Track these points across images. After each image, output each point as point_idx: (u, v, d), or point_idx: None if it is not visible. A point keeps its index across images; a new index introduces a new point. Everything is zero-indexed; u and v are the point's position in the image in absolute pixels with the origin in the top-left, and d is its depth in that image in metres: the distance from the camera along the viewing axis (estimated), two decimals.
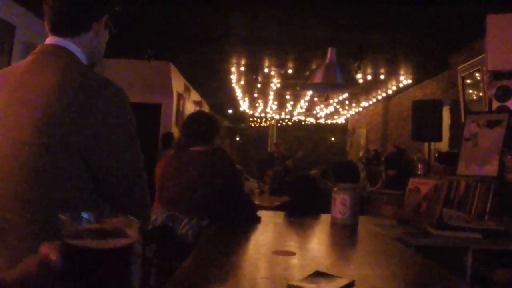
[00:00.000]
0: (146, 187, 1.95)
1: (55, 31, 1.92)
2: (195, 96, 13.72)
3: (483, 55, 6.16)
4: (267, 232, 3.63)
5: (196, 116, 4.32)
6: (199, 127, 4.03)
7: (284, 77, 10.76)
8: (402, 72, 10.28)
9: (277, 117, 19.76)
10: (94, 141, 1.74)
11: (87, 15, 1.95)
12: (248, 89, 12.99)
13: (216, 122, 4.13)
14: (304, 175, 5.59)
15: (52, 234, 1.73)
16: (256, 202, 5.62)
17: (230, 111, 19.07)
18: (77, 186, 1.76)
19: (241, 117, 20.20)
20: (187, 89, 12.22)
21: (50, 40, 1.92)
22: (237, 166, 4.46)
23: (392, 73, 10.42)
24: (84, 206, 1.77)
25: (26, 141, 1.69)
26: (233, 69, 10.25)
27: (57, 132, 1.69)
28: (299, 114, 18.40)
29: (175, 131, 9.88)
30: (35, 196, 1.71)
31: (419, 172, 7.90)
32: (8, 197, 1.72)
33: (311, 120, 20.14)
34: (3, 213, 1.74)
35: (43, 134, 1.68)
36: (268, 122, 21.56)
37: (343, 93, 12.46)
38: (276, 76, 10.72)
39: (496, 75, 5.15)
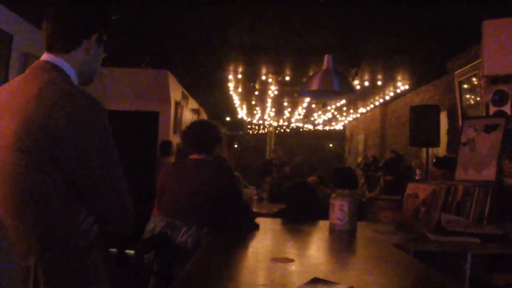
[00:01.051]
0: (122, 191, 2.01)
1: (48, 48, 2.04)
2: (193, 104, 13.73)
3: (479, 60, 6.17)
4: (266, 239, 3.63)
5: (197, 124, 4.33)
6: (200, 135, 4.04)
7: (281, 84, 10.76)
8: (399, 78, 10.29)
9: (275, 124, 19.75)
10: (65, 147, 1.81)
11: (76, 33, 2.04)
12: (246, 97, 13.00)
13: (217, 131, 4.14)
14: (301, 182, 5.59)
15: (31, 232, 1.80)
16: (255, 209, 5.63)
17: (228, 119, 19.07)
18: (50, 188, 1.83)
19: (239, 124, 20.20)
20: (184, 97, 12.22)
21: (43, 56, 2.04)
22: (236, 173, 4.47)
23: (390, 79, 10.43)
24: (59, 208, 1.85)
25: (6, 146, 1.81)
26: (230, 76, 10.26)
27: (31, 138, 1.80)
28: (297, 120, 18.40)
29: (173, 139, 9.89)
30: (13, 197, 1.82)
31: (417, 178, 7.91)
32: None
33: (309, 126, 20.14)
34: None
35: (19, 139, 1.80)
36: (266, 129, 21.56)
37: (340, 99, 12.47)
38: (273, 83, 10.73)
39: (493, 80, 5.17)
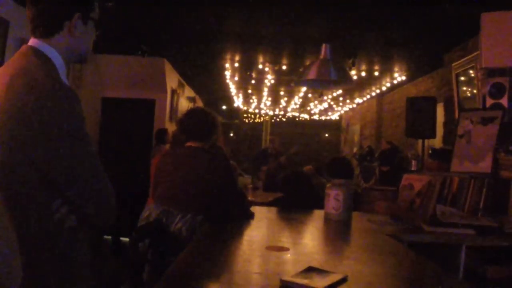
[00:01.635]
0: (98, 181, 1.96)
1: (33, 33, 2.04)
2: (189, 92, 13.71)
3: (477, 52, 6.17)
4: (261, 228, 3.64)
5: (194, 112, 4.32)
6: (197, 123, 4.03)
7: (278, 73, 10.75)
8: (396, 69, 10.28)
9: (271, 113, 19.74)
10: (38, 141, 1.81)
11: (56, 16, 2.03)
12: (242, 85, 12.98)
13: (214, 119, 4.13)
14: (296, 171, 5.60)
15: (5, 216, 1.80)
16: (250, 198, 5.63)
17: (224, 107, 19.06)
18: (23, 178, 1.82)
19: (235, 113, 20.20)
20: (181, 85, 12.20)
21: (30, 41, 2.05)
22: (231, 162, 4.46)
23: (386, 70, 10.43)
24: (32, 198, 1.84)
25: None
26: (227, 65, 10.24)
27: (2, 128, 1.81)
28: (293, 110, 18.39)
29: (169, 127, 9.87)
30: None
31: (412, 169, 7.91)
32: None
33: (305, 116, 20.13)
34: None
35: None
36: (262, 118, 21.55)
37: (337, 89, 12.46)
38: (270, 72, 10.71)
39: (490, 72, 5.17)
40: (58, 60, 2.02)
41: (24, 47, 2.02)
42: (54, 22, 2.02)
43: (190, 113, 4.25)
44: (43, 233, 1.86)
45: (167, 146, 8.57)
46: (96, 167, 1.96)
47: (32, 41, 2.03)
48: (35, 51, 1.98)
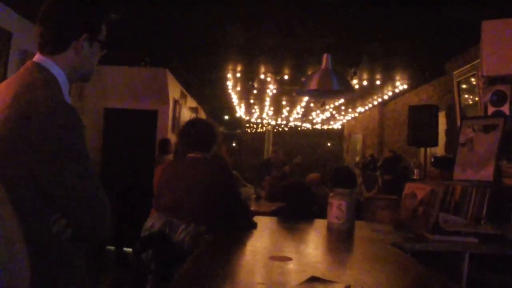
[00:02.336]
0: (96, 198, 1.98)
1: (39, 50, 2.06)
2: (191, 102, 13.72)
3: (478, 60, 6.18)
4: (264, 237, 3.64)
5: (193, 123, 4.33)
6: (196, 134, 4.04)
7: (280, 83, 10.76)
8: (398, 77, 10.29)
9: (273, 122, 19.75)
10: (34, 154, 1.82)
11: (63, 35, 2.05)
12: (245, 95, 12.99)
13: (213, 129, 4.14)
14: (296, 181, 5.61)
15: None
16: (253, 208, 5.63)
17: (226, 117, 19.07)
18: (23, 192, 1.84)
19: (237, 123, 20.20)
20: (183, 96, 12.22)
21: (35, 57, 2.06)
22: (234, 172, 4.47)
23: (388, 79, 10.43)
24: (29, 212, 1.85)
25: None
26: (229, 75, 10.26)
27: (3, 146, 1.82)
28: (295, 119, 18.40)
29: (172, 138, 9.88)
30: None
31: (415, 177, 7.91)
32: None
33: (307, 125, 20.14)
34: None
35: None
36: (264, 127, 21.56)
37: (339, 99, 12.47)
38: (272, 82, 10.73)
39: (491, 80, 5.18)
40: (62, 77, 2.04)
41: (29, 63, 2.03)
42: (62, 40, 2.04)
43: (188, 125, 4.26)
44: (42, 244, 1.87)
45: (170, 156, 8.57)
46: (94, 186, 1.97)
47: (38, 58, 2.04)
48: (40, 67, 1.99)
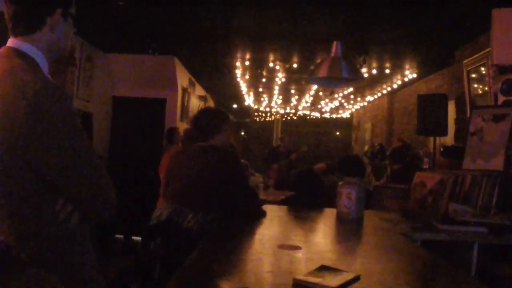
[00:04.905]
0: (95, 176, 1.96)
1: (12, 33, 2.01)
2: (200, 90, 13.71)
3: (488, 49, 6.14)
4: (273, 226, 3.63)
5: (205, 111, 4.35)
6: (206, 122, 4.04)
7: (289, 71, 10.74)
8: (407, 66, 10.25)
9: (282, 111, 19.72)
10: (33, 143, 1.79)
11: (38, 12, 2.00)
12: (253, 84, 12.97)
13: (221, 116, 4.13)
14: (307, 169, 5.60)
15: (7, 224, 1.82)
16: (261, 196, 5.63)
17: (235, 106, 19.05)
18: (19, 180, 1.82)
19: (246, 111, 20.17)
20: (192, 84, 12.21)
21: (8, 42, 2.02)
22: (242, 160, 4.46)
23: (397, 67, 10.40)
24: (31, 199, 1.85)
25: None
26: (238, 63, 10.24)
27: None
28: (304, 108, 18.36)
29: (180, 126, 9.89)
30: None
31: (424, 166, 7.88)
32: None
33: (316, 114, 20.09)
34: None
35: None
36: (273, 116, 21.53)
37: (348, 87, 12.44)
38: (281, 70, 10.70)
39: (502, 69, 5.15)
40: (40, 58, 2.00)
41: (3, 49, 1.99)
42: (36, 18, 1.99)
43: (200, 112, 4.27)
44: (47, 238, 1.88)
45: (179, 145, 8.58)
46: (93, 162, 1.95)
47: (12, 42, 2.00)
48: (16, 52, 1.96)
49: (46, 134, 1.80)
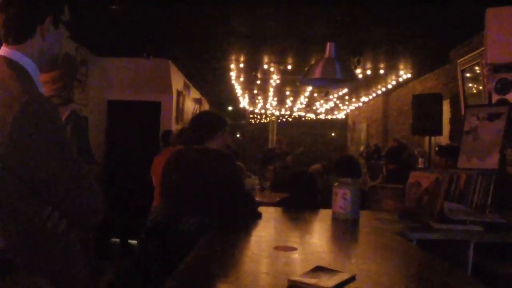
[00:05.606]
0: (83, 184, 1.97)
1: (5, 41, 2.01)
2: (195, 93, 13.72)
3: (482, 48, 6.16)
4: (268, 228, 3.63)
5: (203, 115, 4.38)
6: (204, 126, 4.04)
7: (283, 73, 10.75)
8: (401, 66, 10.27)
9: (277, 113, 19.75)
10: (14, 149, 1.80)
11: (28, 20, 2.01)
12: (248, 86, 12.98)
13: (221, 123, 4.13)
14: (302, 171, 5.60)
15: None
16: (257, 198, 5.63)
17: (230, 108, 19.07)
18: (8, 189, 1.82)
19: (241, 113, 20.19)
20: (186, 87, 12.21)
21: (0, 50, 2.01)
22: (238, 163, 4.47)
23: (392, 68, 10.42)
24: (21, 207, 1.85)
25: None
26: (232, 66, 10.25)
27: None
28: (299, 110, 18.39)
29: (175, 129, 9.88)
30: None
31: (419, 166, 7.90)
32: None
33: (311, 115, 20.12)
34: None
35: None
36: (268, 118, 21.54)
37: (342, 88, 12.45)
38: (275, 72, 10.71)
39: (496, 68, 5.15)
40: (31, 67, 2.00)
41: None
42: (26, 27, 2.00)
43: (196, 116, 4.29)
44: (37, 243, 1.89)
45: (175, 147, 8.57)
46: (79, 171, 1.95)
47: (3, 51, 2.00)
48: (7, 61, 1.96)
49: (30, 146, 1.81)
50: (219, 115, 4.29)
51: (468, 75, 7.84)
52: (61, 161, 1.89)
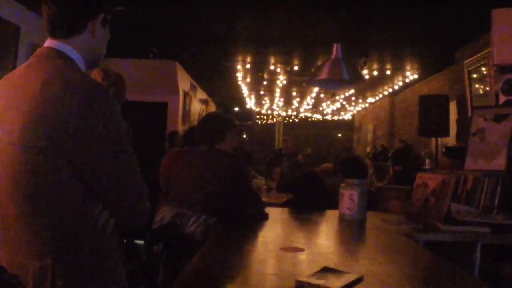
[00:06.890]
0: (137, 185, 1.93)
1: (52, 34, 1.95)
2: (201, 94, 13.74)
3: (489, 49, 6.14)
4: (275, 228, 3.63)
5: (212, 116, 4.39)
6: (212, 127, 4.04)
7: (290, 74, 10.76)
8: (408, 67, 10.26)
9: (283, 114, 19.75)
10: (75, 142, 1.72)
11: (81, 15, 1.96)
12: (254, 87, 12.99)
13: (230, 125, 4.13)
14: (308, 172, 5.59)
15: (45, 227, 1.75)
16: (264, 199, 5.63)
17: (236, 109, 19.08)
18: (62, 185, 1.75)
19: (247, 114, 20.20)
20: (193, 88, 12.22)
21: (47, 43, 1.95)
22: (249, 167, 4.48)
23: (398, 69, 10.41)
24: (73, 206, 1.78)
25: (13, 143, 1.73)
26: (239, 66, 10.26)
27: (38, 135, 1.71)
28: (305, 110, 18.40)
29: (182, 130, 9.89)
30: (22, 194, 1.74)
31: (426, 167, 7.88)
32: (2, 195, 1.77)
33: (318, 116, 20.13)
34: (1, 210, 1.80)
35: (26, 136, 1.71)
36: (274, 119, 21.55)
37: (349, 88, 12.45)
38: (282, 73, 10.72)
39: (502, 69, 5.14)
40: (80, 62, 1.95)
41: (44, 49, 1.93)
42: (78, 21, 1.94)
43: (204, 117, 4.31)
44: (87, 245, 1.82)
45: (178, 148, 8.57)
46: (135, 170, 1.92)
47: (51, 42, 1.94)
48: (58, 53, 1.90)
49: (94, 138, 1.75)
50: (227, 117, 4.29)
51: (474, 76, 7.82)
52: (120, 156, 1.84)
